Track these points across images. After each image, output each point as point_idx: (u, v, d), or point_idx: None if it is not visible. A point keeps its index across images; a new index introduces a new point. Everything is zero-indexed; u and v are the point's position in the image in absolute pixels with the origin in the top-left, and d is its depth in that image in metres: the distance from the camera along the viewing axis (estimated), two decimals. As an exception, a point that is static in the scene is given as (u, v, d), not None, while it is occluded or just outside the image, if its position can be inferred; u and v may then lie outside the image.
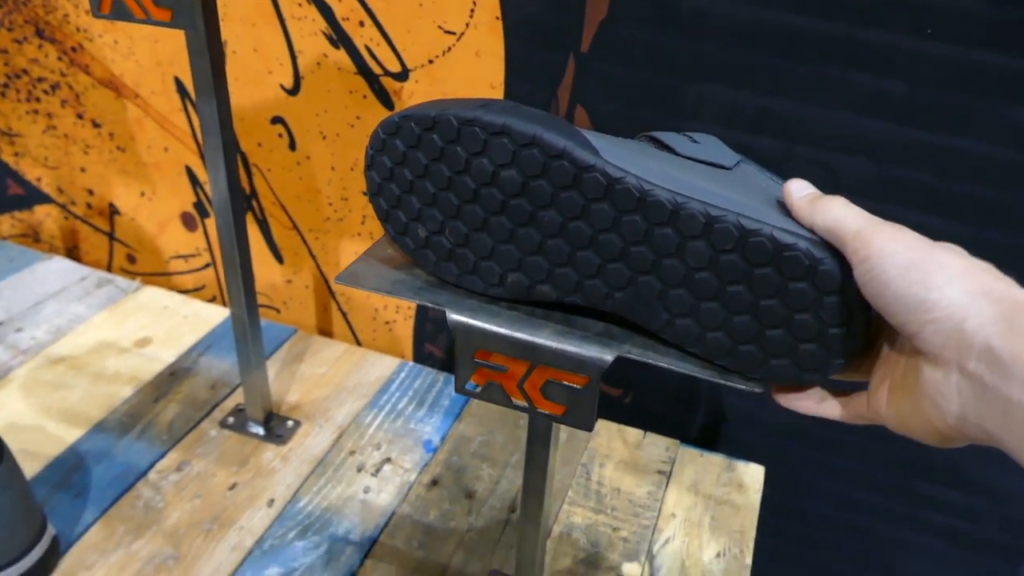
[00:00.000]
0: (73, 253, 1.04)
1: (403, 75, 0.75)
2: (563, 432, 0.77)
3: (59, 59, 0.91)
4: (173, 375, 0.80)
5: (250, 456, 0.71)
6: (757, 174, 0.44)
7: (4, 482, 0.56)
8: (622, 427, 0.78)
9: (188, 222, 0.95)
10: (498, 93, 0.73)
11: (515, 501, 0.69)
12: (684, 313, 0.40)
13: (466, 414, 0.79)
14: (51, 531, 0.61)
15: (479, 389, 0.44)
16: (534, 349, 0.42)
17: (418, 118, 0.42)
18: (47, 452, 0.70)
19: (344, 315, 0.93)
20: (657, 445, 0.77)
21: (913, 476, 0.76)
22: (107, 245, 1.02)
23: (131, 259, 1.01)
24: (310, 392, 0.80)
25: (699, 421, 0.82)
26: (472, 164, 0.41)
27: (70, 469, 0.69)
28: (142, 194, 0.96)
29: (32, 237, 1.06)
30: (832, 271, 0.36)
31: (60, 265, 0.96)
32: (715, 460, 0.76)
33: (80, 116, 0.93)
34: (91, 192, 0.99)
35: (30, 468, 0.68)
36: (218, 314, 0.90)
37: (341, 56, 0.77)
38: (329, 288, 0.91)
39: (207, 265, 0.97)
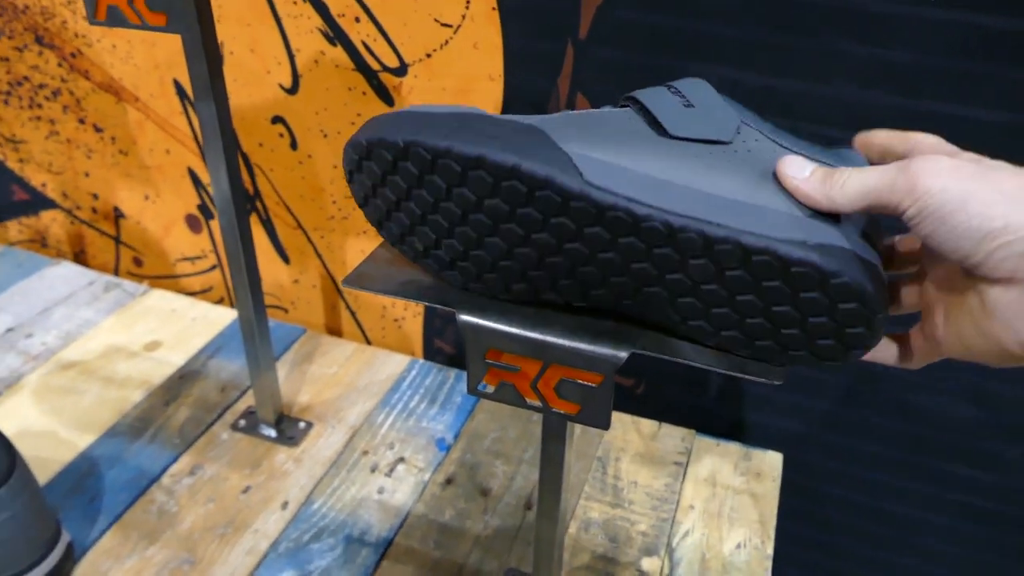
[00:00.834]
0: (80, 257, 1.04)
1: (402, 70, 0.74)
2: (577, 427, 0.77)
3: (59, 65, 0.90)
4: (183, 378, 0.80)
5: (263, 458, 0.71)
6: (760, 141, 0.40)
7: (17, 489, 0.56)
8: (636, 419, 0.78)
9: (193, 224, 0.95)
10: (497, 84, 0.72)
11: (531, 498, 0.69)
12: (695, 317, 0.39)
13: (478, 411, 0.78)
14: (66, 537, 0.61)
15: (492, 390, 0.44)
16: (546, 348, 0.41)
17: (388, 145, 0.39)
18: (60, 458, 0.70)
19: (352, 313, 0.92)
20: (673, 436, 0.76)
21: (930, 454, 0.75)
22: (113, 249, 1.02)
23: (138, 262, 1.01)
24: (321, 392, 0.79)
25: (713, 409, 0.81)
26: (453, 193, 0.39)
27: (83, 475, 0.69)
28: (146, 197, 0.95)
29: (39, 242, 1.06)
30: (847, 283, 0.34)
31: (68, 270, 0.96)
32: (732, 449, 0.75)
33: (82, 121, 0.93)
34: (95, 196, 0.98)
35: (43, 474, 0.68)
36: (226, 316, 0.89)
37: (338, 53, 0.76)
38: (336, 287, 0.91)
39: (213, 267, 0.97)
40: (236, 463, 0.70)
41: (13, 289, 0.92)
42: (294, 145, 0.83)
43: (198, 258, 0.97)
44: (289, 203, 0.87)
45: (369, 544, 0.64)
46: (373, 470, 0.71)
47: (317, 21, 0.75)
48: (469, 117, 0.39)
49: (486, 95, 0.73)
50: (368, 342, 0.93)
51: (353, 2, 0.72)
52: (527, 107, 0.72)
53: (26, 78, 0.93)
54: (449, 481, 0.70)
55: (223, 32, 0.79)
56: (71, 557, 0.61)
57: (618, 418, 0.77)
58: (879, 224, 0.40)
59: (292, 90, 0.80)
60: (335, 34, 0.75)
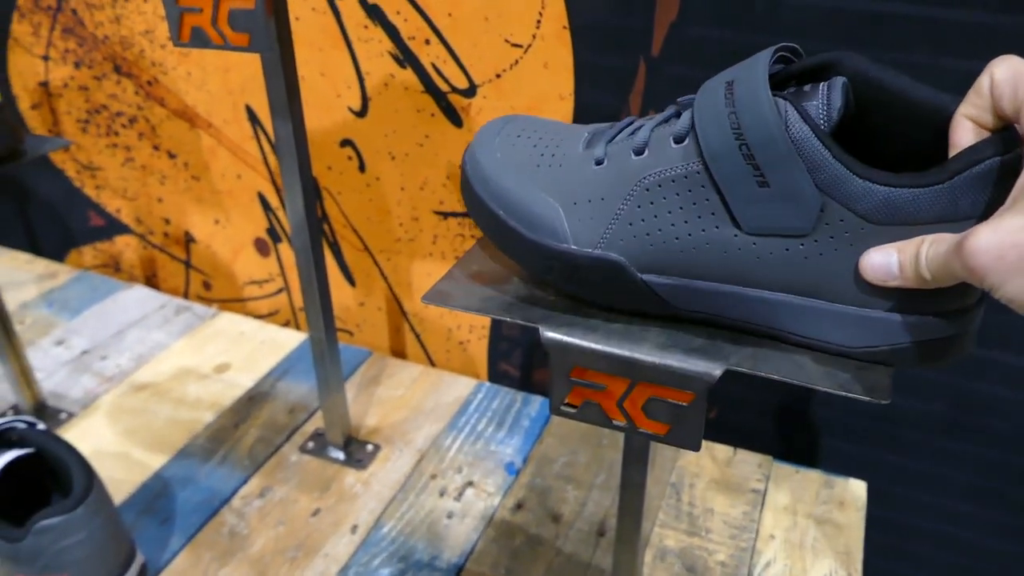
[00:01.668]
0: (152, 281, 1.06)
1: (471, 91, 0.74)
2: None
3: (136, 93, 0.93)
4: (252, 400, 0.80)
5: (331, 481, 0.70)
6: (845, 220, 0.35)
7: (94, 509, 0.56)
8: (710, 444, 0.75)
9: (261, 248, 0.96)
10: (568, 103, 0.72)
11: (604, 523, 0.67)
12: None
13: (547, 434, 0.76)
14: (140, 559, 0.61)
15: (576, 410, 0.42)
16: (635, 365, 0.40)
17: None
18: (133, 479, 0.70)
19: (417, 336, 0.92)
20: (749, 462, 0.73)
21: (1013, 482, 0.71)
22: (183, 273, 1.03)
23: (207, 286, 1.03)
24: (388, 415, 0.79)
25: (791, 435, 0.78)
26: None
27: (156, 495, 0.69)
28: (216, 221, 0.97)
29: (113, 267, 1.09)
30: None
31: (140, 293, 0.98)
32: (812, 476, 0.72)
33: (156, 147, 0.95)
34: (168, 221, 1.00)
35: (117, 494, 0.68)
36: (293, 339, 0.90)
37: (408, 75, 0.76)
38: (402, 309, 0.91)
39: (280, 290, 0.98)
40: (305, 485, 0.70)
41: (88, 312, 0.94)
42: (362, 167, 0.84)
43: (265, 281, 0.98)
44: (356, 225, 0.88)
45: (439, 570, 0.63)
46: (442, 494, 0.69)
47: (388, 45, 0.75)
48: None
49: (556, 114, 0.72)
50: (432, 364, 0.92)
51: (424, 25, 0.73)
52: (597, 126, 0.71)
53: (104, 106, 0.96)
54: (519, 506, 0.69)
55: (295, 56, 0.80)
56: (145, 577, 0.62)
57: (691, 443, 0.75)
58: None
59: (361, 113, 0.80)
60: (405, 57, 0.75)
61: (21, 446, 0.61)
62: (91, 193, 1.05)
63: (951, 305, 0.36)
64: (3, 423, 0.61)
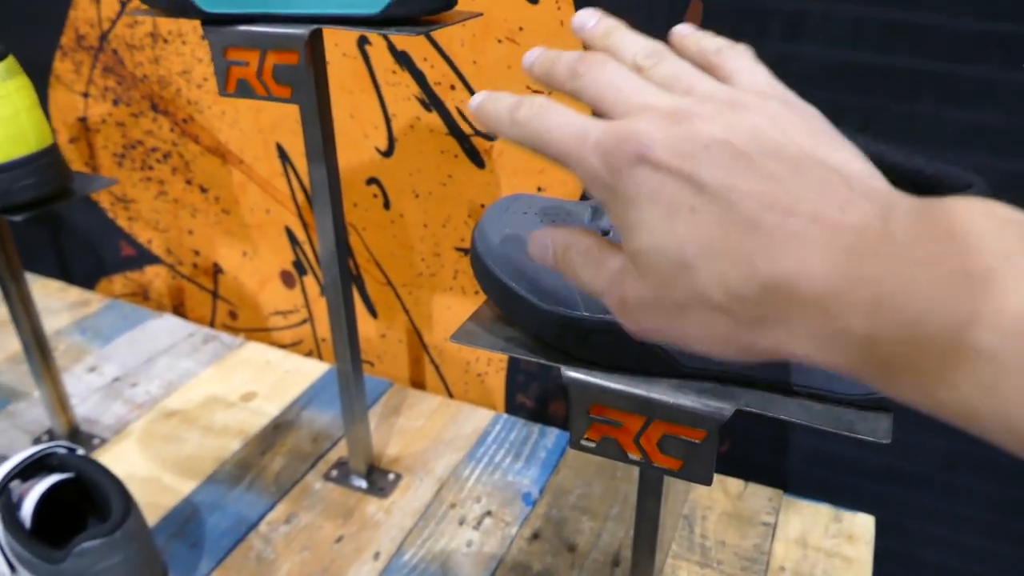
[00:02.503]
0: (179, 310, 1.10)
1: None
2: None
3: (171, 130, 0.97)
4: (277, 428, 0.83)
5: (354, 509, 0.73)
6: None
7: (132, 533, 0.59)
8: (722, 477, 0.77)
9: (287, 280, 0.99)
10: (588, 147, 0.75)
11: (618, 554, 0.69)
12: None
13: (563, 466, 0.79)
14: (171, 582, 0.64)
15: (595, 444, 0.45)
16: (650, 404, 0.42)
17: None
18: (164, 503, 0.73)
19: (436, 367, 0.94)
20: (760, 495, 0.75)
21: (1019, 516, 0.72)
22: (211, 302, 1.07)
23: (233, 315, 1.06)
24: (409, 445, 0.81)
25: (800, 469, 0.79)
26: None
27: (186, 520, 0.72)
28: (244, 254, 1.00)
29: (142, 295, 1.12)
30: None
31: (169, 323, 1.01)
32: (822, 510, 0.74)
33: (189, 182, 0.99)
34: (197, 252, 1.04)
35: (149, 518, 0.71)
36: (317, 368, 0.93)
37: (433, 118, 0.80)
38: (422, 341, 0.93)
39: (304, 321, 1.01)
40: (329, 512, 0.72)
41: (120, 340, 0.98)
42: (387, 205, 0.87)
43: (290, 312, 1.01)
44: (380, 260, 0.91)
45: (459, 596, 0.65)
46: (461, 523, 0.72)
47: (414, 89, 0.79)
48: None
49: (574, 157, 0.75)
50: (451, 395, 0.95)
51: (449, 71, 0.76)
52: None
53: (140, 142, 1.00)
54: (536, 536, 0.71)
55: (325, 100, 0.84)
56: (175, 599, 0.64)
57: (704, 477, 0.77)
58: None
59: (387, 153, 0.84)
60: (431, 101, 0.79)
61: (61, 471, 0.63)
62: (124, 224, 1.08)
63: None
64: (44, 449, 0.64)
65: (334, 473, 0.77)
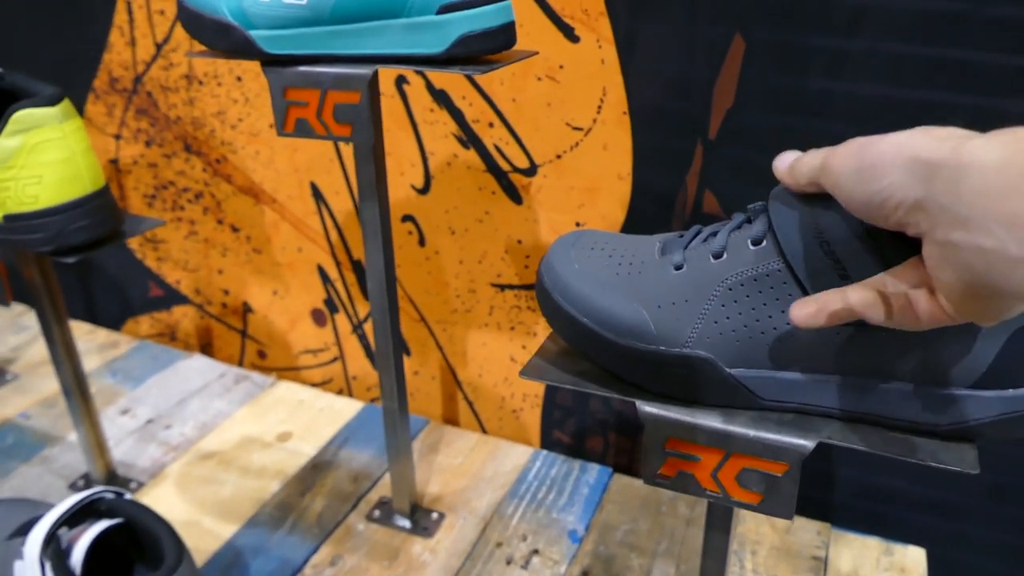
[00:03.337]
0: (207, 350, 1.10)
1: (531, 170, 0.78)
2: (708, 518, 0.76)
3: (204, 170, 0.97)
4: (315, 468, 0.82)
5: (399, 550, 0.72)
6: None
7: (185, 579, 0.58)
8: (769, 512, 0.76)
9: (318, 318, 0.99)
10: (626, 183, 0.75)
11: (670, 592, 0.68)
12: None
13: (606, 502, 0.78)
14: (219, 627, 0.63)
15: (669, 481, 0.44)
16: (729, 438, 0.42)
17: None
18: (206, 548, 0.72)
19: (470, 404, 0.94)
20: (808, 529, 0.74)
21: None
22: (239, 342, 1.07)
23: (261, 355, 1.06)
24: (449, 483, 0.80)
25: (846, 502, 0.79)
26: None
27: (229, 564, 0.71)
28: (275, 292, 1.00)
29: (169, 336, 1.12)
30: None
31: (199, 363, 1.01)
32: (871, 544, 0.73)
33: (220, 222, 1.00)
34: (226, 292, 1.04)
35: (191, 564, 0.70)
36: (351, 406, 0.92)
37: (471, 155, 0.81)
38: (456, 378, 0.93)
39: (335, 359, 1.01)
40: (374, 554, 0.71)
41: (151, 381, 0.97)
42: (422, 242, 0.87)
43: (320, 351, 1.01)
44: (414, 297, 0.91)
45: (512, 638, 0.64)
46: (509, 562, 0.71)
47: (452, 127, 0.80)
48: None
49: (614, 193, 0.76)
50: (484, 432, 0.94)
51: (488, 109, 0.77)
52: (655, 203, 0.75)
53: (171, 182, 1.01)
54: (585, 574, 0.70)
55: (362, 139, 0.84)
56: (223, 645, 0.63)
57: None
58: None
59: (424, 190, 0.85)
60: (468, 138, 0.80)
61: (110, 516, 0.63)
62: (152, 265, 1.09)
63: None
64: (92, 494, 0.63)
65: (377, 513, 0.76)
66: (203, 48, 0.56)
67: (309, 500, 0.78)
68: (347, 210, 0.91)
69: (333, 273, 0.95)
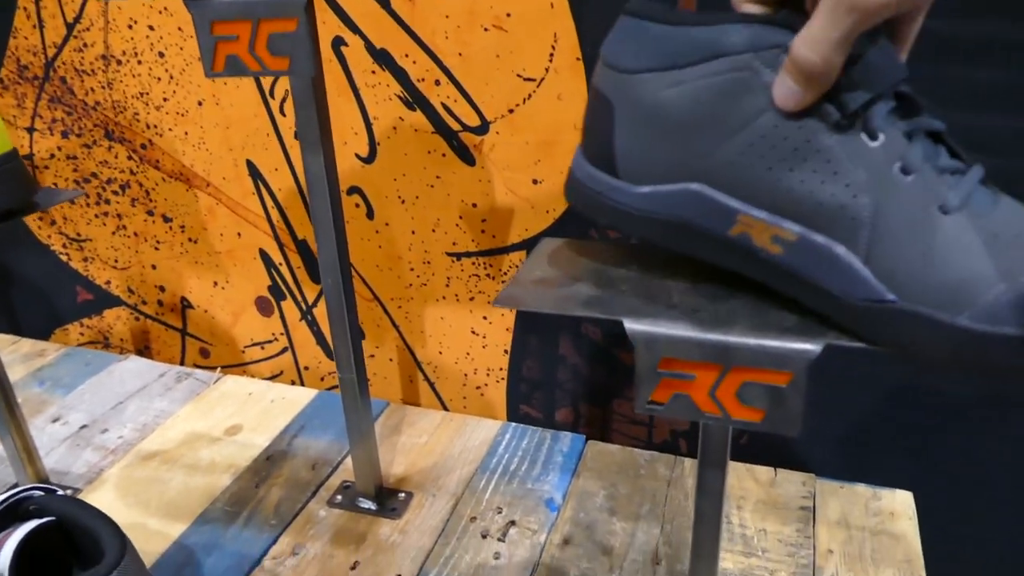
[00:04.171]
0: (144, 354, 1.02)
1: (483, 128, 0.75)
2: (690, 480, 0.73)
3: (129, 158, 0.91)
4: (270, 459, 0.76)
5: (366, 532, 0.67)
6: None
7: (130, 573, 0.52)
8: (751, 466, 0.74)
9: (264, 307, 0.93)
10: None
11: (657, 552, 0.64)
12: None
13: (582, 469, 0.74)
14: (172, 631, 0.57)
15: (663, 406, 0.41)
16: (728, 349, 0.39)
17: None
18: (153, 550, 0.66)
19: (431, 384, 0.89)
20: (792, 481, 0.72)
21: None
22: (179, 342, 1.00)
23: (204, 353, 0.99)
24: (415, 463, 0.76)
25: (828, 453, 0.77)
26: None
27: (180, 565, 0.64)
28: (215, 284, 0.94)
29: (102, 343, 1.04)
30: None
31: (136, 364, 0.94)
32: (858, 491, 0.71)
33: (151, 213, 0.93)
34: (162, 289, 0.97)
35: (138, 568, 0.64)
36: (305, 395, 0.87)
37: (417, 117, 0.76)
38: (415, 358, 0.88)
39: (284, 350, 0.95)
40: (340, 539, 0.66)
41: (83, 387, 0.90)
42: (371, 214, 0.83)
43: (268, 342, 0.95)
44: (365, 274, 0.86)
45: (496, 614, 0.59)
46: (484, 536, 0.66)
47: (396, 88, 0.76)
48: None
49: (572, 145, 0.72)
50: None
51: (433, 66, 0.73)
52: (613, 152, 0.72)
53: (94, 174, 0.94)
54: (567, 541, 0.66)
55: (300, 107, 0.80)
56: (179, 650, 0.57)
57: (731, 465, 0.73)
58: None
59: (369, 159, 0.80)
60: (414, 99, 0.76)
61: (40, 516, 0.56)
62: (78, 266, 1.01)
63: None
64: (18, 491, 0.57)
65: (338, 498, 0.71)
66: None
67: (264, 491, 0.72)
68: (288, 187, 0.86)
69: (277, 257, 0.90)
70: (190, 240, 0.93)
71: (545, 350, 0.82)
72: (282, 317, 0.93)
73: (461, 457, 0.76)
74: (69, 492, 0.73)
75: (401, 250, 0.83)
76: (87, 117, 0.91)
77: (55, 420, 0.84)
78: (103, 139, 0.91)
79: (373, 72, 0.76)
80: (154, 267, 0.97)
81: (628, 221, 0.43)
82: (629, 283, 0.44)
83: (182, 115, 0.86)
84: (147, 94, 0.87)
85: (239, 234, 0.90)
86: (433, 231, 0.81)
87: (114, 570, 0.51)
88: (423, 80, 0.75)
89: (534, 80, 0.71)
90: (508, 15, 0.69)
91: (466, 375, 0.87)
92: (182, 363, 1.01)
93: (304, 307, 0.91)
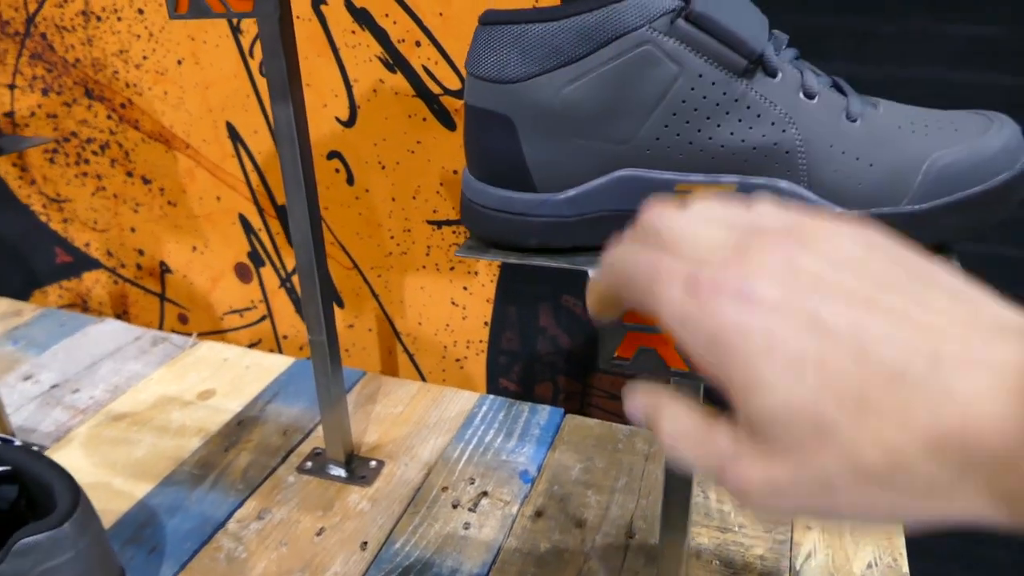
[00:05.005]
0: (122, 318, 1.01)
1: (463, 91, 0.73)
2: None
3: (108, 117, 0.89)
4: (241, 424, 0.75)
5: (335, 499, 0.65)
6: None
7: (82, 526, 0.51)
8: (729, 442, 0.72)
9: (242, 273, 0.92)
10: (566, 100, 0.70)
11: (631, 526, 0.63)
12: None
13: (559, 442, 0.73)
14: (129, 590, 0.55)
15: (628, 362, 0.39)
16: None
17: None
18: (115, 508, 0.64)
19: (411, 356, 0.88)
20: (771, 458, 0.70)
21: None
22: (158, 307, 0.98)
23: (183, 319, 0.98)
24: (389, 432, 0.74)
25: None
26: None
27: (141, 525, 0.63)
28: (194, 248, 0.93)
29: (80, 306, 1.03)
30: None
31: (112, 326, 0.92)
32: (838, 469, 0.69)
33: (130, 174, 0.91)
34: (141, 252, 0.96)
35: (99, 528, 0.62)
36: (280, 363, 0.85)
37: (398, 80, 0.75)
38: (394, 329, 0.87)
39: (263, 318, 0.93)
40: (306, 505, 0.65)
41: (57, 347, 0.88)
42: (350, 180, 0.81)
43: (247, 310, 0.94)
44: (344, 242, 0.84)
45: (461, 582, 0.58)
46: (455, 506, 0.65)
47: (376, 49, 0.74)
48: None
49: (554, 108, 0.71)
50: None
51: (414, 26, 0.72)
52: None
53: (73, 134, 0.92)
54: (539, 514, 0.64)
55: (280, 66, 0.78)
56: (135, 609, 0.56)
57: (710, 443, 0.72)
58: None
59: (349, 122, 0.78)
60: (394, 61, 0.74)
61: (-6, 467, 0.55)
62: (57, 228, 1.00)
63: None
64: (-27, 444, 0.55)
65: (308, 465, 0.69)
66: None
67: (233, 456, 0.71)
68: (268, 150, 0.84)
69: (256, 222, 0.88)
70: (169, 203, 0.91)
71: (525, 322, 0.81)
72: (261, 284, 0.91)
73: (436, 427, 0.75)
74: (35, 450, 0.72)
75: (381, 217, 0.82)
76: (67, 74, 0.89)
77: (27, 378, 0.83)
78: (83, 97, 0.90)
79: (353, 32, 0.74)
80: (133, 230, 0.95)
81: (562, 232, 0.41)
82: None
83: (161, 74, 0.84)
84: (126, 52, 0.85)
85: (218, 198, 0.88)
86: (413, 198, 0.79)
87: (66, 521, 0.50)
88: (403, 41, 0.73)
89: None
90: (492, -27, 0.68)
91: (445, 347, 0.85)
92: (160, 329, 0.99)
93: (283, 275, 0.90)
